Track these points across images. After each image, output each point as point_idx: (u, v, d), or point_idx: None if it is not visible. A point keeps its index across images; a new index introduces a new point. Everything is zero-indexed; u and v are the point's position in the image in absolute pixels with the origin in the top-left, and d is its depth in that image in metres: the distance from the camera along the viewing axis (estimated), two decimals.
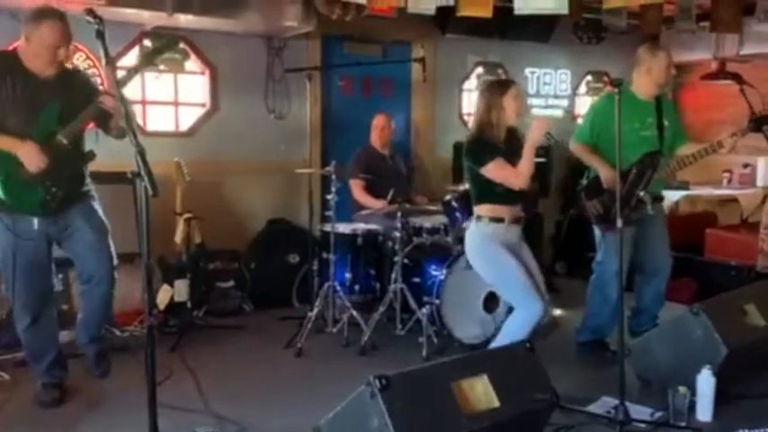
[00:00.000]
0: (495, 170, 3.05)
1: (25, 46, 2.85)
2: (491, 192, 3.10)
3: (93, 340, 3.30)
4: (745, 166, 6.27)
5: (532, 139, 3.02)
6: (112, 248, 3.16)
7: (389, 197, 4.26)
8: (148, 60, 3.07)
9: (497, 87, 3.17)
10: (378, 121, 4.76)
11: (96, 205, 3.14)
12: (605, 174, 3.53)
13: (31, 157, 2.79)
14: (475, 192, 3.20)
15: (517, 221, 3.18)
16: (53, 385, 3.12)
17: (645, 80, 3.64)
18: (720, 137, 3.54)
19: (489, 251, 3.14)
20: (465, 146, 3.20)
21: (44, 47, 2.80)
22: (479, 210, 3.18)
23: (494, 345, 3.21)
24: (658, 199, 3.74)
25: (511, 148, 3.11)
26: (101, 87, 3.10)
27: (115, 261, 3.17)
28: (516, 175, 3.05)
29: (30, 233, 2.92)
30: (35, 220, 2.92)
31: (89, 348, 3.32)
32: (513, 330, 3.13)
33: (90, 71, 4.16)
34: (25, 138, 2.81)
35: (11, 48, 3.03)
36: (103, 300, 3.20)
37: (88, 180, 3.12)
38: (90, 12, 2.19)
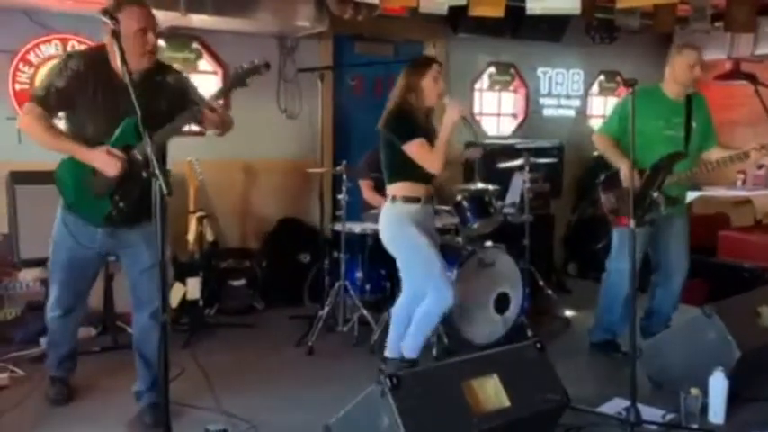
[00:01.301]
0: (414, 149, 3.02)
1: (110, 42, 2.57)
2: (406, 170, 3.07)
3: (151, 388, 2.97)
4: (760, 167, 6.22)
5: (447, 121, 3.00)
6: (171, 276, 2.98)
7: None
8: (240, 80, 2.76)
9: (417, 69, 3.13)
10: None
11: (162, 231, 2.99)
12: (624, 169, 3.51)
13: (106, 164, 2.60)
14: (391, 169, 3.16)
15: (431, 201, 3.17)
16: (61, 380, 3.14)
17: (669, 78, 3.62)
18: (748, 147, 3.43)
19: (405, 233, 3.10)
20: (386, 118, 3.12)
21: (133, 32, 2.56)
22: (394, 189, 3.14)
23: (408, 336, 3.21)
24: (680, 201, 3.66)
25: (428, 131, 3.09)
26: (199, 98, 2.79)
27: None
28: (432, 157, 3.02)
29: (90, 242, 2.82)
30: (98, 231, 2.80)
31: (145, 398, 2.98)
32: (425, 318, 3.15)
33: None
34: (101, 145, 2.63)
35: (99, 45, 2.78)
36: (157, 341, 2.81)
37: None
38: (105, 11, 2.21)
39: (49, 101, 2.68)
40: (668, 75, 3.63)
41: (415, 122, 3.06)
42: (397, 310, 3.31)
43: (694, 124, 3.62)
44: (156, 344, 2.87)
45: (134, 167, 2.62)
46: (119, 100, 2.56)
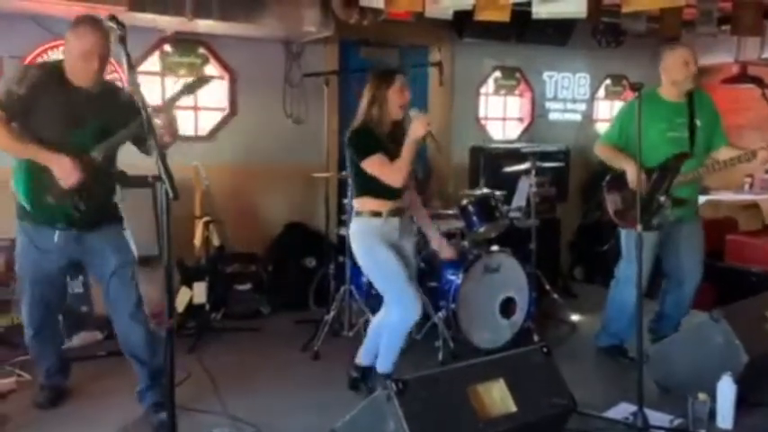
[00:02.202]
0: (373, 165, 3.00)
1: (66, 55, 2.79)
2: (370, 185, 3.05)
3: (151, 386, 3.01)
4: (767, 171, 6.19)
5: (412, 136, 2.95)
6: (137, 277, 2.98)
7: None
8: (194, 87, 2.84)
9: (382, 80, 3.07)
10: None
11: (126, 234, 2.99)
12: (631, 171, 3.47)
13: (65, 171, 2.70)
14: (355, 184, 3.16)
15: (397, 213, 3.11)
16: (49, 388, 3.15)
17: (666, 80, 3.60)
18: (756, 147, 3.39)
19: (367, 245, 3.10)
20: (348, 136, 3.11)
21: (77, 54, 2.72)
22: (359, 203, 3.13)
23: (380, 353, 3.19)
24: (688, 203, 3.60)
25: (395, 142, 3.04)
26: (150, 105, 2.86)
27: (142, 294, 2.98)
28: (393, 172, 2.98)
29: (49, 245, 2.84)
30: (56, 233, 2.82)
31: (147, 397, 3.02)
32: (391, 335, 3.12)
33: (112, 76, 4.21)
34: (59, 149, 2.72)
35: (55, 60, 2.95)
36: (140, 340, 2.94)
37: (119, 203, 3.00)
38: (112, 18, 2.22)
39: (11, 106, 2.75)
40: (664, 77, 3.60)
41: (374, 138, 3.03)
42: (374, 320, 3.33)
43: (699, 123, 3.57)
44: (141, 341, 2.96)
45: (91, 169, 2.75)
46: (75, 109, 2.75)
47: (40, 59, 4.15)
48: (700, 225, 3.79)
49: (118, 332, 3.03)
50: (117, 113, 2.79)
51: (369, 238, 3.09)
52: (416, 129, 2.93)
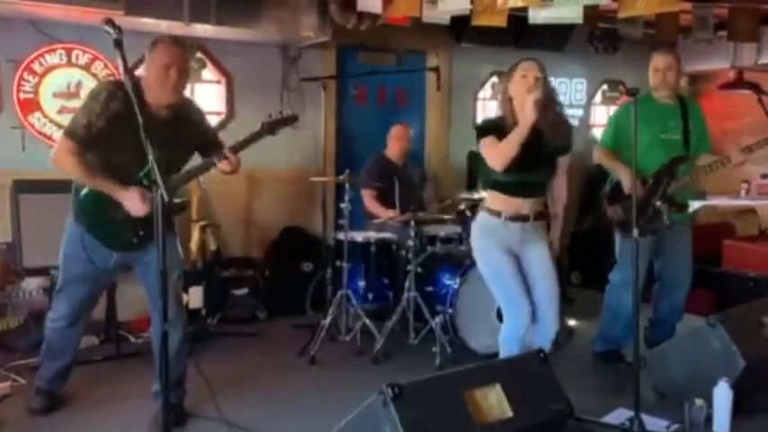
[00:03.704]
0: (483, 147, 2.83)
1: (146, 75, 2.78)
2: (489, 177, 2.89)
3: (172, 387, 2.93)
4: (764, 176, 6.18)
5: (522, 123, 2.74)
6: (180, 285, 3.01)
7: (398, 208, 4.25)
8: (270, 129, 3.02)
9: (506, 73, 2.95)
10: (398, 131, 4.73)
11: (176, 242, 3.01)
12: (626, 179, 3.50)
13: (135, 205, 2.73)
14: (479, 176, 3.07)
15: (519, 219, 2.85)
16: (45, 393, 3.11)
17: (651, 84, 3.65)
18: (731, 152, 3.49)
19: (480, 243, 2.96)
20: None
21: (157, 67, 2.72)
22: (484, 197, 3.00)
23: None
24: (683, 207, 3.61)
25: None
26: (222, 148, 2.91)
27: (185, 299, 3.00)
28: (496, 153, 2.76)
29: (104, 263, 2.86)
30: (114, 255, 2.86)
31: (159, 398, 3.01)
32: (502, 342, 3.00)
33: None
34: (129, 176, 2.74)
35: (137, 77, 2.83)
36: (176, 343, 2.94)
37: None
38: (109, 21, 2.23)
39: (86, 139, 2.73)
40: (651, 83, 3.67)
41: (494, 124, 2.92)
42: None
43: (692, 126, 3.63)
44: (177, 344, 2.95)
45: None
46: (150, 134, 2.59)
47: (35, 63, 4.16)
48: (690, 228, 3.83)
49: (154, 334, 3.02)
50: (189, 140, 2.84)
51: (483, 237, 2.95)
52: (526, 115, 2.71)
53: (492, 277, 2.97)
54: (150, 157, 2.13)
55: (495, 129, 2.85)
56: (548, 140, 2.84)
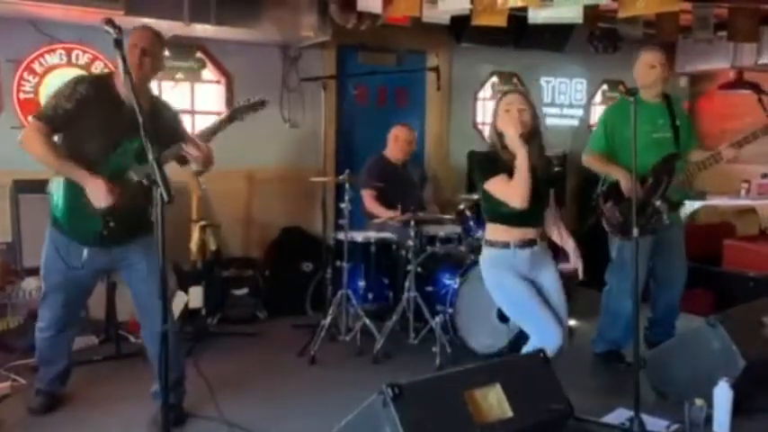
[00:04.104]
0: (495, 186, 2.83)
1: (117, 68, 2.75)
2: (495, 211, 2.90)
3: (172, 388, 2.86)
4: (764, 176, 6.19)
5: (517, 153, 2.75)
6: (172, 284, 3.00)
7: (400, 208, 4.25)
8: (238, 114, 2.97)
9: (493, 108, 2.93)
10: (398, 132, 4.70)
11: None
12: (625, 180, 3.50)
13: (98, 195, 2.70)
14: (483, 210, 3.02)
15: (527, 245, 2.89)
16: (45, 393, 3.12)
17: (638, 84, 3.62)
18: (721, 147, 3.51)
19: (493, 276, 2.96)
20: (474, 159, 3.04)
21: (129, 47, 2.69)
22: (487, 231, 2.99)
23: None
24: (677, 206, 3.65)
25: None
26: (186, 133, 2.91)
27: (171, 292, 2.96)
28: (514, 192, 2.76)
29: (77, 262, 2.84)
30: (85, 251, 2.82)
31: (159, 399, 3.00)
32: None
33: None
34: (98, 166, 2.73)
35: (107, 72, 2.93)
36: (171, 346, 2.80)
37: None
38: (109, 21, 2.22)
39: (55, 121, 2.74)
40: (637, 81, 3.65)
41: (496, 160, 2.89)
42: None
43: (679, 123, 3.63)
44: (173, 347, 2.87)
45: (126, 188, 2.73)
46: (120, 122, 2.69)
47: (36, 63, 4.16)
48: (682, 226, 3.84)
49: (147, 337, 3.02)
50: (161, 133, 2.73)
51: (494, 270, 2.94)
52: (517, 149, 2.75)
53: (515, 306, 2.95)
54: (150, 156, 2.11)
55: (496, 165, 2.86)
56: (540, 172, 2.87)
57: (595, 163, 3.69)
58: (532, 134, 2.84)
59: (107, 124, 2.74)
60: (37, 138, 2.72)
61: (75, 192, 2.75)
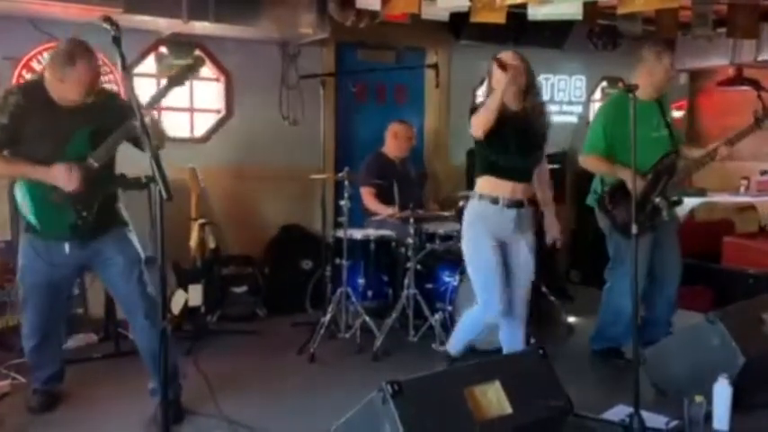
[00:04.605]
0: (471, 121, 2.90)
1: (57, 83, 2.70)
2: (487, 161, 2.92)
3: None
4: (763, 173, 6.20)
5: (497, 83, 2.89)
6: (146, 277, 2.95)
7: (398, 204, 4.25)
8: (177, 79, 2.84)
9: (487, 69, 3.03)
10: (396, 129, 4.70)
11: (132, 236, 2.98)
12: (629, 179, 3.47)
13: (61, 178, 2.68)
14: (476, 165, 3.07)
15: (515, 205, 2.93)
16: (43, 393, 3.12)
17: (644, 81, 3.52)
18: (715, 144, 3.52)
19: (474, 234, 3.01)
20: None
21: (81, 84, 2.69)
22: (477, 185, 3.01)
23: (454, 330, 3.33)
24: (675, 204, 3.65)
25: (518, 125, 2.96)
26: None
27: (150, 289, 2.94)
28: (477, 120, 2.86)
29: (61, 258, 2.84)
30: (66, 245, 2.82)
31: (156, 395, 2.97)
32: (465, 324, 3.23)
33: (107, 78, 4.21)
34: (55, 162, 2.70)
35: (36, 78, 2.88)
36: (157, 340, 2.83)
37: (121, 207, 2.99)
38: (107, 19, 2.22)
39: None
40: (642, 77, 3.55)
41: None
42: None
43: (669, 120, 3.65)
44: (158, 341, 2.85)
45: (91, 176, 2.74)
46: (62, 122, 2.71)
47: (34, 61, 4.15)
48: (677, 224, 3.86)
49: (136, 334, 3.02)
50: (110, 117, 2.74)
51: (475, 225, 2.99)
52: (500, 80, 2.87)
53: (478, 265, 3.06)
54: (148, 154, 2.11)
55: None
56: (535, 126, 2.97)
57: (599, 165, 3.64)
58: (528, 87, 2.98)
59: (51, 124, 2.73)
60: None
61: (40, 190, 2.75)
